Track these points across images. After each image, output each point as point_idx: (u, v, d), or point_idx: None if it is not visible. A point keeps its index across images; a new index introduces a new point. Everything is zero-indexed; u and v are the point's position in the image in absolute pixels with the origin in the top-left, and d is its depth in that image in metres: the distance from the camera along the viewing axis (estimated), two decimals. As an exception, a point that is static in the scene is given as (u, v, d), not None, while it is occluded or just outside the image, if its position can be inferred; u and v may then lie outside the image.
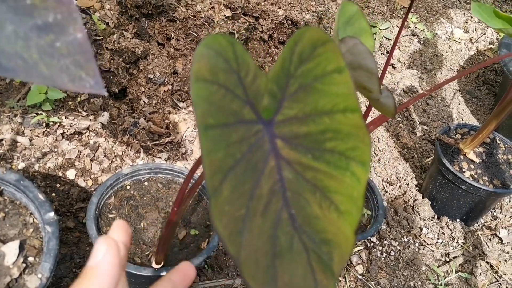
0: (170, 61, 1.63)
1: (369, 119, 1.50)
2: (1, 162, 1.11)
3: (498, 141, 1.48)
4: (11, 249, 0.79)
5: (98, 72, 0.45)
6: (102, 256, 0.38)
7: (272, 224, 0.37)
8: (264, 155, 0.38)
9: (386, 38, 2.16)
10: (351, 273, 1.29)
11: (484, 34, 2.36)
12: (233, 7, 1.82)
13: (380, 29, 2.18)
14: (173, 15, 1.68)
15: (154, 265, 0.90)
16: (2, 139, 1.14)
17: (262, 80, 0.41)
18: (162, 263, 0.90)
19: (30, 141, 1.16)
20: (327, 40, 0.40)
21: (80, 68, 0.44)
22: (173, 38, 1.67)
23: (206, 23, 1.73)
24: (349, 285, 1.27)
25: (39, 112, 1.21)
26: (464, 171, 1.38)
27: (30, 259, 0.80)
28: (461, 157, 1.42)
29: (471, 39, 2.32)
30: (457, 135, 1.49)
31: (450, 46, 2.27)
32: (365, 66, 0.63)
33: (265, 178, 0.38)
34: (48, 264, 0.76)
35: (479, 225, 1.51)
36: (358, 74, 0.66)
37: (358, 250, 1.35)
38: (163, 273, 0.87)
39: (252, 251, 0.35)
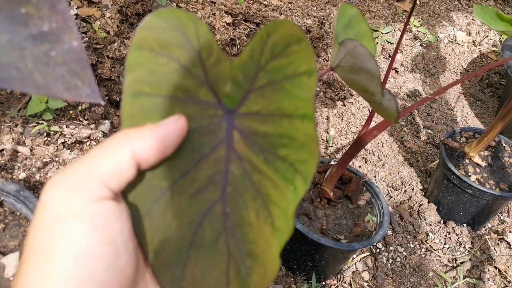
0: (172, 68, 1.63)
1: (372, 124, 1.48)
2: (2, 173, 1.10)
3: (504, 144, 1.46)
4: (11, 261, 0.77)
5: (94, 80, 0.44)
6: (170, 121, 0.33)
7: (199, 211, 0.34)
8: (215, 141, 0.35)
9: (388, 42, 2.15)
10: (357, 280, 1.27)
11: (487, 36, 2.35)
12: (234, 13, 1.81)
13: (382, 33, 2.17)
14: (174, 22, 1.68)
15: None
16: (3, 149, 1.14)
17: (226, 65, 0.37)
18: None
19: (31, 150, 1.15)
20: (302, 38, 0.37)
21: (76, 76, 0.43)
22: (174, 45, 1.67)
23: (207, 30, 1.72)
24: (355, 293, 1.25)
25: (40, 122, 1.21)
26: (470, 175, 1.36)
27: (31, 271, 0.79)
28: (467, 161, 1.40)
29: (473, 42, 2.31)
30: (462, 139, 1.48)
31: (453, 49, 2.26)
32: (366, 68, 0.61)
33: (207, 163, 0.35)
34: (49, 276, 0.75)
35: (486, 230, 1.49)
36: (359, 77, 0.65)
37: (364, 257, 1.34)
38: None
39: (163, 225, 0.33)
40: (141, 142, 0.31)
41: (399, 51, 2.17)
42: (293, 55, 0.37)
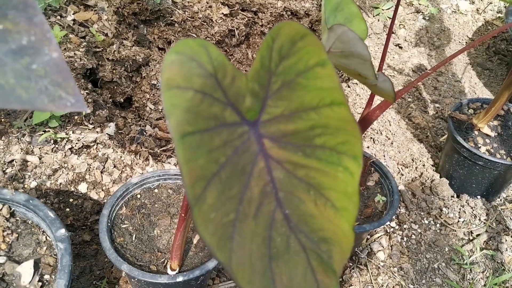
0: (172, 65, 1.63)
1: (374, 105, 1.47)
2: (14, 183, 1.12)
3: (513, 112, 1.44)
4: (26, 269, 0.79)
5: (77, 89, 0.44)
6: None
7: (265, 226, 0.36)
8: (252, 156, 0.37)
9: (390, 18, 2.12)
10: (373, 261, 1.28)
11: (491, 3, 2.30)
12: (231, 3, 1.80)
13: (382, 10, 2.14)
14: (171, 18, 1.68)
15: (169, 271, 0.90)
16: (12, 160, 1.16)
17: (242, 80, 0.40)
18: (178, 269, 0.90)
19: (40, 159, 1.17)
20: (306, 33, 0.38)
21: (59, 87, 0.44)
22: (173, 41, 1.67)
23: (205, 23, 1.72)
24: (372, 273, 1.25)
25: (46, 130, 1.22)
26: (480, 147, 1.34)
27: (46, 277, 0.81)
28: (476, 132, 1.38)
29: (477, 10, 2.26)
30: (469, 110, 1.46)
31: (456, 19, 2.22)
32: (356, 53, 0.61)
33: (254, 180, 0.37)
34: (63, 280, 0.76)
35: (501, 200, 1.48)
36: (351, 61, 0.65)
37: (378, 237, 1.34)
38: (179, 279, 0.87)
39: (246, 255, 0.35)
40: None
41: (401, 26, 2.14)
42: (300, 51, 0.39)
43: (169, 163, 1.33)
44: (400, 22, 2.15)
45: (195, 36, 1.68)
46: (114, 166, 1.23)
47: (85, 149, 1.22)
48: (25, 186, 1.12)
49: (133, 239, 0.97)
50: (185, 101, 0.35)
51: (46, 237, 0.86)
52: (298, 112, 0.39)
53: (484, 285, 1.24)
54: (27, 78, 0.43)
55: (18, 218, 0.89)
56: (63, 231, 0.83)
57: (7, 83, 0.42)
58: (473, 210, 1.42)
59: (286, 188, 0.37)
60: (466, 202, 1.44)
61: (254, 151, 0.38)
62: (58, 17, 1.47)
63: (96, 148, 1.23)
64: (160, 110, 1.50)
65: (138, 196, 1.04)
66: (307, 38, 0.38)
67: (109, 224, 0.95)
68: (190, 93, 0.35)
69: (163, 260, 0.94)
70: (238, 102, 0.39)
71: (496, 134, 1.38)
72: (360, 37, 0.60)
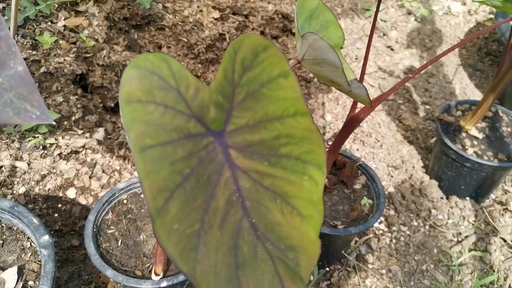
0: (163, 69, 1.64)
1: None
2: (3, 189, 1.13)
3: (501, 114, 1.44)
4: (10, 275, 0.80)
5: (43, 102, 0.45)
6: None
7: (232, 235, 0.36)
8: (218, 166, 0.38)
9: (381, 20, 2.13)
10: (361, 263, 1.28)
11: (483, 2, 2.30)
12: (221, 8, 1.81)
13: (374, 12, 2.15)
14: (162, 23, 1.69)
15: (153, 276, 0.90)
16: (1, 166, 1.17)
17: (205, 92, 0.40)
18: (162, 274, 0.91)
19: (29, 165, 1.18)
20: (269, 45, 0.39)
21: (24, 100, 0.45)
22: (163, 46, 1.68)
23: (196, 27, 1.73)
24: (360, 275, 1.26)
25: (36, 135, 1.23)
26: (467, 149, 1.35)
27: (30, 283, 0.82)
28: (463, 134, 1.39)
29: (469, 11, 2.27)
30: (458, 112, 1.46)
31: (448, 21, 2.22)
32: (328, 61, 0.62)
33: (220, 189, 0.37)
34: (46, 287, 0.77)
35: (490, 201, 1.48)
36: (324, 69, 0.66)
37: (367, 239, 1.34)
38: (163, 284, 0.87)
39: (211, 265, 0.35)
40: None
41: (393, 28, 2.15)
42: (263, 62, 0.39)
43: (158, 167, 1.34)
44: (392, 24, 2.16)
45: (186, 40, 1.68)
46: (103, 171, 1.24)
47: (73, 155, 1.23)
48: (14, 192, 1.13)
49: (119, 244, 0.97)
50: (146, 114, 0.35)
51: (30, 243, 0.87)
52: (263, 122, 0.40)
53: (472, 287, 1.25)
54: (-8, 92, 0.44)
55: (3, 225, 0.89)
56: (47, 237, 0.84)
57: (-28, 97, 0.43)
58: (462, 212, 1.43)
59: (253, 197, 0.38)
60: (455, 203, 1.45)
61: (219, 161, 0.38)
62: (49, 23, 1.48)
63: (85, 153, 1.24)
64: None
65: (125, 201, 1.05)
66: (269, 49, 0.39)
67: (95, 229, 0.96)
68: (151, 106, 0.36)
69: (148, 265, 0.95)
70: (203, 113, 0.39)
71: (483, 135, 1.38)
72: (331, 46, 0.61)
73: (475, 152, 1.34)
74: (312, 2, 0.69)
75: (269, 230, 0.38)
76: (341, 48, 0.80)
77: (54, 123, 0.42)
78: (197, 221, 0.36)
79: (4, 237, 0.87)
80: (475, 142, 1.37)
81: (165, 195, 0.35)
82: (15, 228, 0.89)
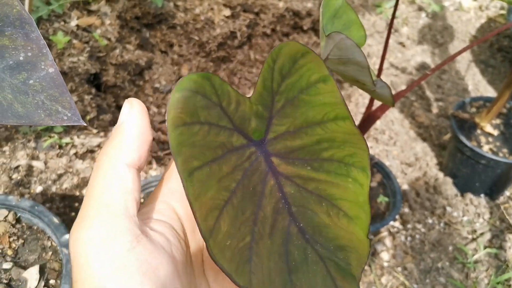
0: (175, 67, 1.64)
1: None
2: (20, 188, 1.14)
3: (516, 110, 1.43)
4: (32, 274, 0.81)
5: (74, 103, 0.45)
6: (126, 116, 0.35)
7: (281, 241, 0.36)
8: (262, 175, 0.37)
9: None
10: (376, 261, 1.28)
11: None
12: (232, 5, 1.81)
13: (385, 8, 2.14)
14: (173, 21, 1.69)
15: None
16: (18, 166, 1.17)
17: (246, 104, 0.40)
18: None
19: (45, 164, 1.19)
20: (307, 51, 0.39)
21: (56, 101, 0.45)
22: (175, 44, 1.68)
23: (207, 25, 1.73)
24: (376, 273, 1.26)
25: (51, 135, 1.24)
26: (482, 146, 1.34)
27: (52, 281, 0.82)
28: (478, 131, 1.38)
29: (480, 7, 2.25)
30: (472, 109, 1.45)
31: (459, 16, 2.21)
32: (354, 60, 0.61)
33: (266, 198, 0.37)
34: (68, 285, 0.78)
35: (504, 198, 1.47)
36: (349, 68, 0.65)
37: (382, 237, 1.34)
38: None
39: (265, 274, 0.35)
40: (131, 158, 0.33)
41: (404, 24, 2.14)
42: (301, 68, 0.39)
43: (172, 166, 1.34)
44: (403, 20, 2.15)
45: (198, 38, 1.69)
46: (118, 170, 1.24)
47: (89, 154, 1.24)
48: (31, 191, 1.14)
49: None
50: (191, 136, 0.34)
51: (51, 243, 0.88)
52: (303, 127, 0.39)
53: (488, 284, 1.25)
54: (24, 93, 0.44)
55: (23, 224, 0.90)
56: (67, 236, 0.84)
57: (5, 99, 0.43)
58: (477, 209, 1.42)
59: (298, 202, 0.37)
60: (469, 200, 1.44)
61: (263, 170, 0.38)
62: (62, 22, 1.49)
63: (100, 152, 1.25)
64: (163, 113, 1.52)
65: (142, 200, 1.06)
66: (307, 55, 0.39)
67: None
68: (196, 127, 0.35)
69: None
70: (244, 125, 0.39)
71: (499, 132, 1.37)
72: (358, 45, 0.60)
73: (490, 149, 1.34)
74: (336, 2, 0.69)
75: (317, 233, 0.37)
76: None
77: (85, 124, 0.42)
78: (247, 233, 0.36)
79: (24, 236, 0.88)
80: (490, 139, 1.36)
81: (215, 213, 0.34)
82: (35, 228, 0.90)
